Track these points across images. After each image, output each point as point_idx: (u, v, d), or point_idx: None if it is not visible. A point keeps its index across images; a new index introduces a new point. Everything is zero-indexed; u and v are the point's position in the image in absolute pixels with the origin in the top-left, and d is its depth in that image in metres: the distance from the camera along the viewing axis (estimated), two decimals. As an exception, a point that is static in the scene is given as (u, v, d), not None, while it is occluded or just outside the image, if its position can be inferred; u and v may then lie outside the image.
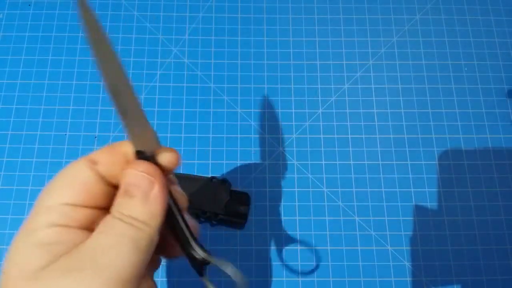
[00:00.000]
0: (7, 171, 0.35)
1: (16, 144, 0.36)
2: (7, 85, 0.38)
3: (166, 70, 0.39)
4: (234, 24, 0.40)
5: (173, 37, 0.40)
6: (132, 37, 0.40)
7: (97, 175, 0.18)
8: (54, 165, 0.35)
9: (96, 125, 0.37)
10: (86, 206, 0.18)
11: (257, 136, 0.37)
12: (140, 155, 0.19)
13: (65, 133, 0.36)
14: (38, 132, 0.36)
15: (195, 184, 0.33)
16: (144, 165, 0.18)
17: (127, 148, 0.19)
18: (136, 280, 0.16)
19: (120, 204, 0.18)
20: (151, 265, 0.21)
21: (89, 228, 0.18)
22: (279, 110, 0.37)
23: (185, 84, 0.38)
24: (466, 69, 0.39)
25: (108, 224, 0.17)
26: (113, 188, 0.19)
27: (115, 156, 0.19)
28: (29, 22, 0.40)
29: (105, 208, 0.19)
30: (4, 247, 0.33)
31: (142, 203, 0.18)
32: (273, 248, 0.33)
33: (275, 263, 0.33)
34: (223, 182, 0.34)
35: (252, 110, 0.37)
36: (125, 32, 0.40)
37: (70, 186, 0.18)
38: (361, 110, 0.38)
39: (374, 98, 0.38)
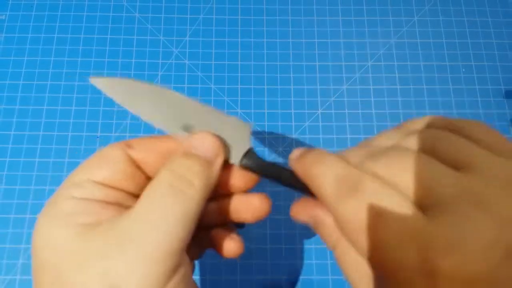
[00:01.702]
0: (10, 171, 0.35)
1: (19, 144, 0.36)
2: (9, 86, 0.38)
3: (167, 71, 0.39)
4: (234, 25, 0.41)
5: (174, 38, 0.40)
6: (134, 38, 0.40)
7: (128, 158, 0.18)
8: (56, 165, 0.36)
9: (98, 125, 0.37)
10: (111, 187, 0.17)
11: (257, 136, 0.37)
12: None
13: (67, 133, 0.37)
14: (41, 133, 0.37)
15: None
16: (212, 137, 0.18)
17: (169, 143, 0.18)
18: (181, 252, 0.15)
19: (174, 161, 0.16)
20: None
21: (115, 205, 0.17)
22: (279, 111, 0.38)
23: (186, 85, 0.39)
24: (463, 70, 0.40)
25: (154, 189, 0.16)
26: (146, 178, 0.18)
27: (154, 144, 0.18)
28: (31, 24, 0.40)
29: (132, 194, 0.18)
30: (7, 246, 0.33)
31: (202, 166, 0.17)
32: (272, 246, 0.34)
33: (275, 261, 0.33)
34: None
35: (252, 110, 0.38)
36: (126, 33, 0.40)
37: (98, 165, 0.17)
38: (360, 111, 0.38)
39: (372, 99, 0.39)
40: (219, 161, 0.17)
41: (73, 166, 0.36)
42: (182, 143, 0.18)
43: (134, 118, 0.37)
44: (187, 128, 0.18)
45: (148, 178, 0.19)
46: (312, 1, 0.42)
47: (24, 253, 0.33)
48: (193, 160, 0.16)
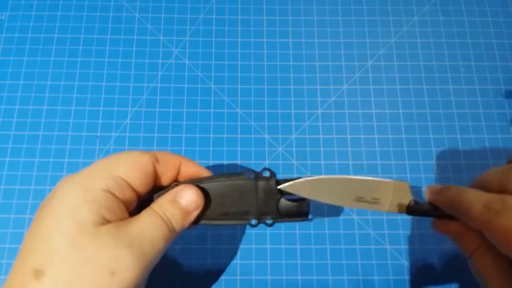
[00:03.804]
0: (10, 170, 0.35)
1: (19, 144, 0.36)
2: (10, 86, 0.38)
3: (167, 71, 0.39)
4: (234, 25, 0.41)
5: (174, 38, 0.40)
6: (134, 38, 0.40)
7: (154, 169, 0.22)
8: (56, 165, 0.36)
9: (98, 125, 0.37)
10: (133, 189, 0.22)
11: (257, 136, 0.37)
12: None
13: (67, 133, 0.37)
14: (41, 132, 0.37)
15: (231, 191, 0.24)
16: (195, 192, 0.22)
17: (177, 161, 0.24)
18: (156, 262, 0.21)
19: (166, 208, 0.22)
20: None
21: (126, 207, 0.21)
22: (279, 111, 0.38)
23: (186, 85, 0.39)
24: (463, 70, 0.40)
25: (152, 217, 0.21)
26: (154, 184, 0.23)
27: (173, 161, 0.23)
28: (31, 24, 0.40)
29: (138, 197, 0.22)
30: (6, 246, 0.33)
31: (183, 217, 0.22)
32: (272, 246, 0.34)
33: (275, 261, 0.33)
34: (268, 178, 0.24)
35: (252, 110, 0.38)
36: (126, 33, 0.40)
37: (133, 167, 0.21)
38: (360, 111, 0.38)
39: (372, 99, 0.39)
40: (195, 213, 0.22)
41: (73, 166, 0.36)
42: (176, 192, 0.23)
43: (134, 118, 0.37)
44: (360, 199, 0.24)
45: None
46: (312, 1, 0.42)
47: (24, 253, 0.33)
48: (176, 208, 0.22)
